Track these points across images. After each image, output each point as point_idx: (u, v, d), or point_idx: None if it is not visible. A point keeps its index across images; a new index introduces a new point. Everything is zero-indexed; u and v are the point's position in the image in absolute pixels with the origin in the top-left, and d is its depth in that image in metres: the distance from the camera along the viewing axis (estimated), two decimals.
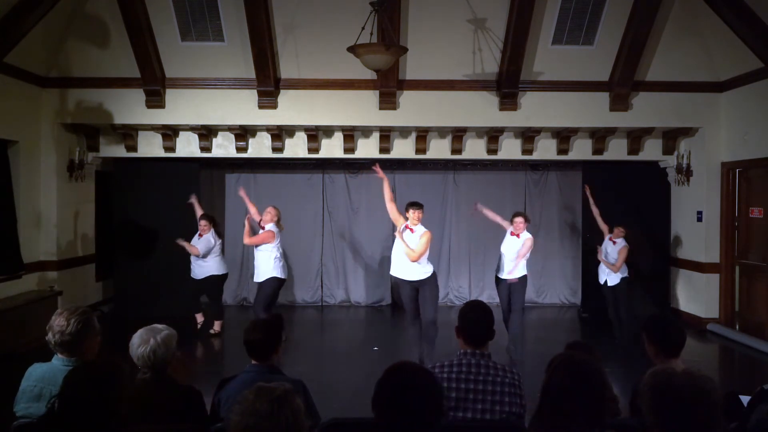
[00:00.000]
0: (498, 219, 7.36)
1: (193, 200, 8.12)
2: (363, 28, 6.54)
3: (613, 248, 7.69)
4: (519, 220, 7.04)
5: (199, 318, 7.97)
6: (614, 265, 7.57)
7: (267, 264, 7.10)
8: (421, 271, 6.17)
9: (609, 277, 7.64)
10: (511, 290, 7.02)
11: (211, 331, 7.84)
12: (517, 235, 7.10)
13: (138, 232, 8.94)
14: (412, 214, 6.20)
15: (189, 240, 7.84)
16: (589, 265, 8.14)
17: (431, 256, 9.85)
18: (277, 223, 7.31)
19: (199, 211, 8.06)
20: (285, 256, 7.64)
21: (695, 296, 8.68)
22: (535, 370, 2.60)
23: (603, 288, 7.75)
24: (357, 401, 5.34)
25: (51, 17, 7.35)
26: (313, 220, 10.06)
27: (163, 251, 8.79)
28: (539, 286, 10.16)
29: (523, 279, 7.07)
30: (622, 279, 7.63)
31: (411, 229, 6.18)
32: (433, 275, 6.26)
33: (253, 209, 7.55)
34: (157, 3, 7.50)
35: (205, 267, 7.75)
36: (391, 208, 6.39)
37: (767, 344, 7.29)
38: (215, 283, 7.86)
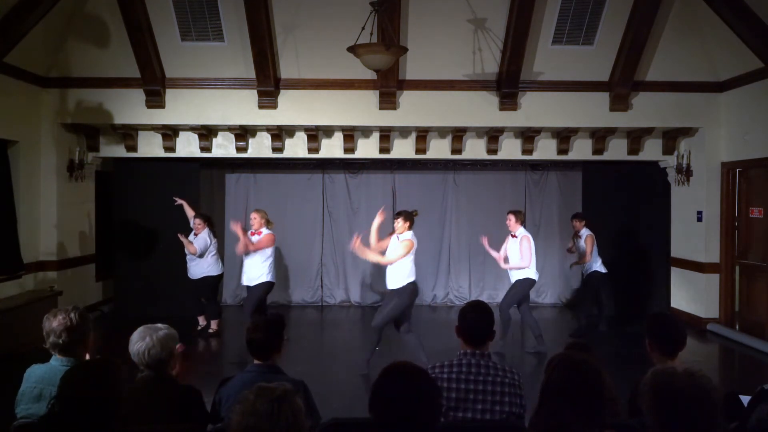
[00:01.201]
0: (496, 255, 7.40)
1: (181, 201, 8.08)
2: (363, 28, 6.53)
3: (579, 241, 7.93)
4: (508, 216, 7.22)
5: (202, 320, 7.97)
6: (584, 257, 7.82)
7: (261, 268, 6.99)
8: (393, 279, 6.09)
9: (584, 268, 7.97)
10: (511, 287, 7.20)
11: (210, 331, 7.84)
12: (514, 235, 7.15)
13: (138, 232, 8.94)
14: (395, 223, 6.20)
15: (175, 245, 7.86)
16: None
17: (432, 256, 10.01)
18: (268, 224, 7.19)
19: (189, 212, 8.03)
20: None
21: (695, 296, 8.68)
22: (535, 370, 2.61)
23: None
24: (357, 401, 5.34)
25: (51, 17, 7.35)
26: (313, 220, 10.06)
27: (163, 251, 8.80)
28: (539, 286, 10.12)
29: (521, 282, 7.08)
30: (594, 272, 7.83)
31: (397, 237, 6.18)
32: (406, 288, 6.03)
33: (241, 234, 7.00)
34: (157, 3, 7.50)
35: (200, 267, 7.73)
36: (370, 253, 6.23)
37: (767, 344, 7.30)
38: (211, 283, 7.85)
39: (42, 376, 2.85)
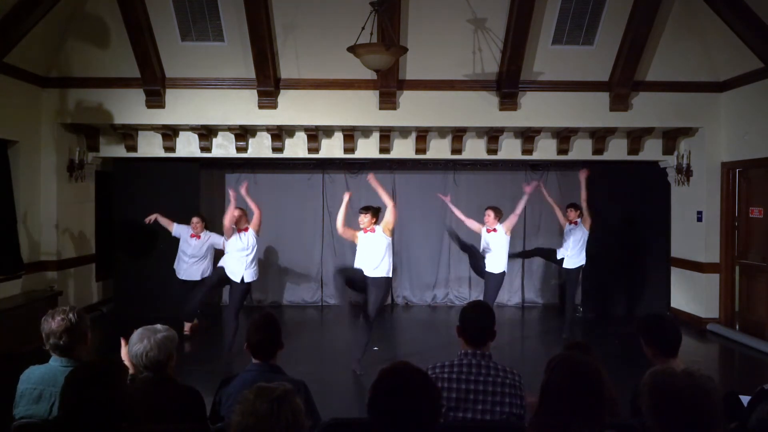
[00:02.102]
0: (467, 222, 7.46)
1: (153, 217, 7.75)
2: (363, 28, 6.54)
3: (578, 228, 7.76)
4: (487, 212, 7.19)
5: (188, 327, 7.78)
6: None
7: (255, 263, 6.95)
8: (383, 267, 6.27)
9: (568, 259, 7.76)
10: (486, 280, 7.22)
11: (186, 333, 7.67)
12: (494, 230, 7.13)
13: (138, 232, 8.92)
14: (362, 218, 6.33)
15: (176, 244, 7.83)
16: (589, 265, 8.11)
17: (432, 255, 10.01)
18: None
19: (165, 222, 7.79)
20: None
21: (695, 296, 8.68)
22: (535, 370, 2.60)
23: (560, 269, 8.05)
24: (357, 401, 5.34)
25: (51, 17, 7.35)
26: (313, 220, 10.05)
27: (162, 251, 8.78)
28: (539, 286, 10.17)
29: (500, 275, 7.13)
30: (579, 266, 7.73)
31: (372, 229, 6.29)
32: (389, 280, 6.36)
33: (253, 206, 6.91)
34: (157, 3, 7.50)
35: (199, 269, 7.65)
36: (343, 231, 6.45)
37: (767, 344, 7.30)
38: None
39: (42, 377, 2.85)
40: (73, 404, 2.16)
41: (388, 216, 6.28)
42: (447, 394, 2.81)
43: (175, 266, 7.96)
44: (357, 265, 6.37)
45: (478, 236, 7.45)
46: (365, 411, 2.02)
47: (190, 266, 7.80)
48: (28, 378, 2.88)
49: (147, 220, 7.76)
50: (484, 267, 7.20)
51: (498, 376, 2.86)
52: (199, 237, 7.74)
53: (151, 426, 2.64)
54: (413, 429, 1.96)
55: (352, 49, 6.21)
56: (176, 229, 7.87)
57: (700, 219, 8.56)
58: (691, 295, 8.79)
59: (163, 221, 7.84)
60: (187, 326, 7.73)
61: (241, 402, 1.90)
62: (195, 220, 7.75)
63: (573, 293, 7.86)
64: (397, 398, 1.97)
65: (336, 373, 6.31)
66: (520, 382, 2.91)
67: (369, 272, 6.27)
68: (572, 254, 7.72)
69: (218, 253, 7.62)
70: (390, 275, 6.36)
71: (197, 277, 7.75)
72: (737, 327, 8.15)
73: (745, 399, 2.92)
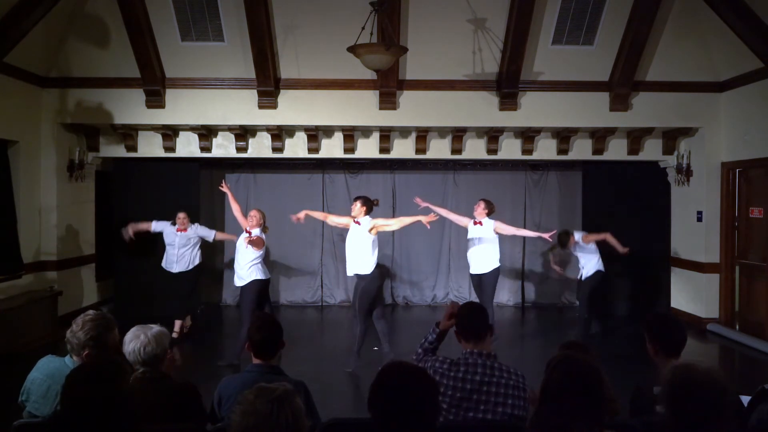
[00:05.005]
0: (452, 216, 7.44)
1: (131, 231, 7.78)
2: (363, 28, 6.54)
3: (583, 245, 7.67)
4: (478, 203, 7.19)
5: (177, 326, 7.66)
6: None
7: (247, 268, 6.57)
8: (360, 265, 6.23)
9: (584, 270, 7.70)
10: (481, 282, 7.14)
11: (174, 334, 7.51)
12: (480, 223, 7.11)
13: (138, 232, 8.91)
14: (352, 205, 6.38)
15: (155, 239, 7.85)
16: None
17: (432, 255, 10.01)
18: (264, 227, 6.74)
19: (147, 225, 7.82)
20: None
21: (695, 296, 8.68)
22: (535, 371, 2.60)
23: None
24: (357, 401, 5.35)
25: (51, 17, 7.35)
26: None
27: (162, 251, 8.76)
28: (539, 286, 10.17)
29: (494, 272, 7.07)
30: (596, 272, 7.62)
31: (357, 222, 6.32)
32: (373, 273, 6.23)
33: (236, 207, 6.90)
34: (157, 3, 7.50)
35: (191, 257, 7.65)
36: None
37: (767, 344, 7.30)
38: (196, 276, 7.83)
39: (53, 373, 2.86)
40: (73, 403, 2.16)
41: (384, 222, 6.24)
42: (451, 392, 2.81)
43: (163, 264, 7.79)
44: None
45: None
46: (365, 411, 2.02)
47: (180, 257, 7.70)
48: (45, 366, 2.90)
49: (126, 237, 7.75)
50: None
51: (502, 377, 2.86)
52: (186, 230, 7.68)
53: (151, 426, 2.64)
54: (414, 427, 1.97)
55: (352, 49, 6.21)
56: (155, 225, 7.78)
57: (700, 219, 8.56)
58: (691, 295, 8.79)
59: (141, 226, 7.80)
60: (178, 324, 7.60)
61: (241, 402, 1.90)
62: (181, 215, 7.68)
63: (586, 299, 7.84)
64: (396, 397, 1.97)
65: (336, 373, 6.31)
66: (524, 384, 2.91)
67: (354, 268, 6.28)
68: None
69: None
70: (366, 273, 6.23)
71: (189, 267, 7.69)
72: (737, 327, 8.15)
73: (745, 399, 2.92)
